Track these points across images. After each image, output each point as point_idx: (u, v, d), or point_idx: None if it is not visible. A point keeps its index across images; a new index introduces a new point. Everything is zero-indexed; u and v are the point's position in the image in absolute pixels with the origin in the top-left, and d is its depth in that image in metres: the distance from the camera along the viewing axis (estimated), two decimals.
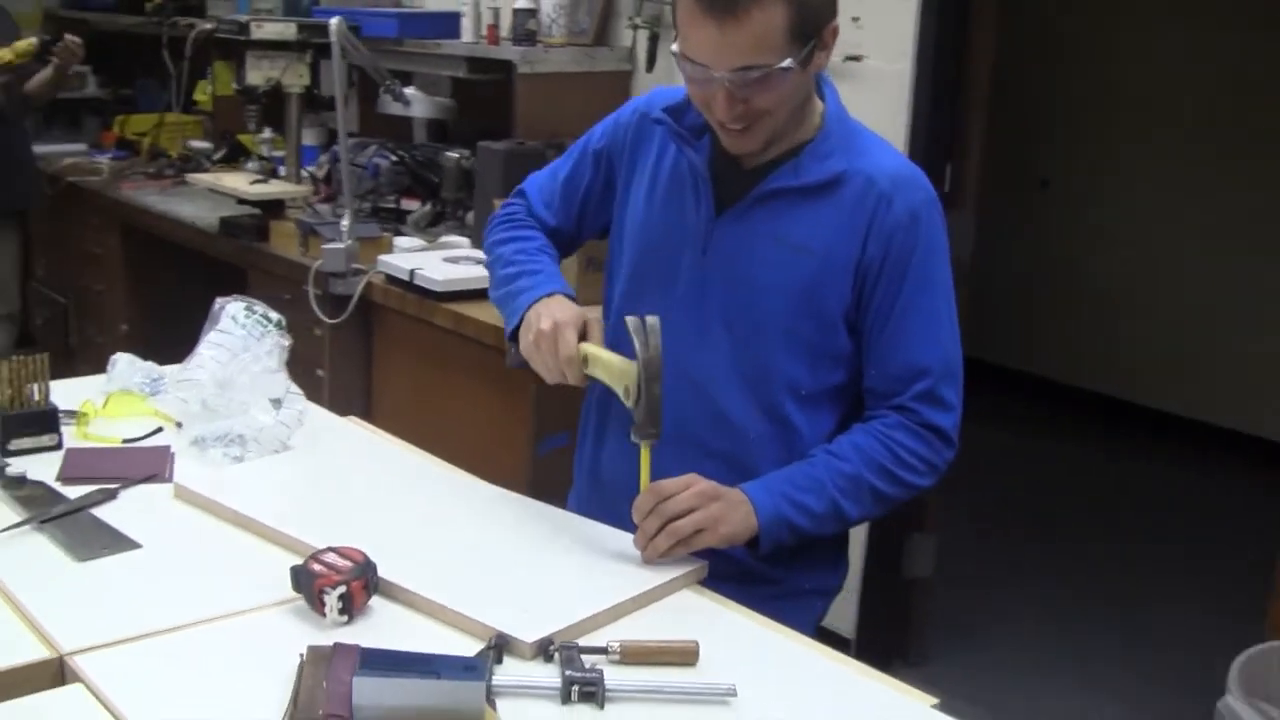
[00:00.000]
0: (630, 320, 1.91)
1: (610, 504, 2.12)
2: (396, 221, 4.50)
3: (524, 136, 4.21)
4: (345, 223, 3.88)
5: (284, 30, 4.46)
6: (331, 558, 1.80)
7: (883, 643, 4.09)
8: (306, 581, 1.76)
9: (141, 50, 6.21)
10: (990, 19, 3.76)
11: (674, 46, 1.97)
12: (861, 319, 2.04)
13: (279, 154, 5.02)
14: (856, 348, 2.07)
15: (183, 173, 5.38)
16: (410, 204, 4.57)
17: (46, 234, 5.94)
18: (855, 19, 3.76)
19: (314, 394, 3.96)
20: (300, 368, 4.08)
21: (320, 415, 2.61)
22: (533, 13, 4.33)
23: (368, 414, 4.00)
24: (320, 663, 1.60)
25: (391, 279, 3.85)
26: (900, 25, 3.68)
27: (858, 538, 3.94)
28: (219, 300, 2.60)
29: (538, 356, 2.04)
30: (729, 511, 1.95)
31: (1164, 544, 5.36)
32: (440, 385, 3.83)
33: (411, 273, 3.75)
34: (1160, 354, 6.60)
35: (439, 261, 3.85)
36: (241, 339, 2.49)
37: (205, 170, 5.35)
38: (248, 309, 2.55)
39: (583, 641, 1.70)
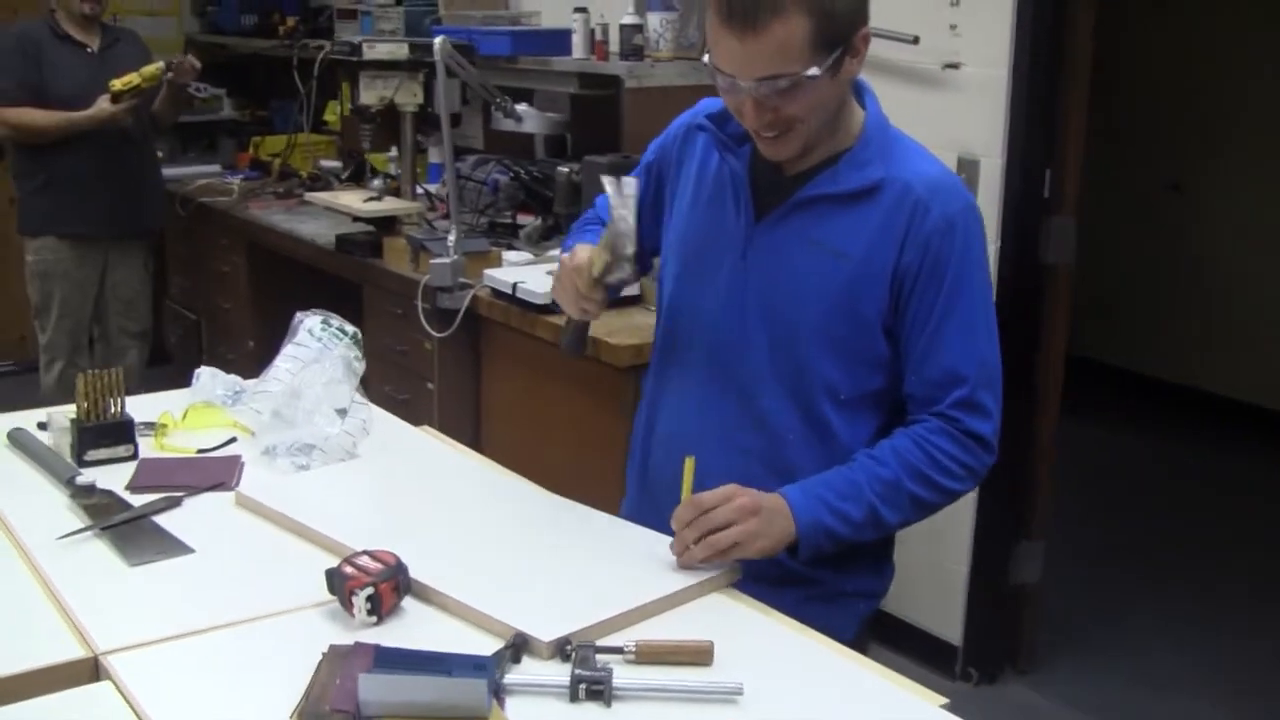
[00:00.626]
0: (606, 178, 2.01)
1: (659, 510, 2.12)
2: (511, 236, 4.56)
3: (631, 149, 4.24)
4: (452, 238, 3.95)
5: (395, 50, 4.55)
6: (364, 560, 1.84)
7: (991, 651, 4.05)
8: (339, 583, 1.81)
9: (276, 73, 6.38)
10: (1088, 23, 3.70)
11: (704, 57, 1.98)
12: (899, 325, 2.04)
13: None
14: (895, 354, 2.07)
15: (311, 191, 5.49)
16: (526, 219, 4.62)
17: (180, 254, 6.13)
18: (953, 27, 3.74)
19: (424, 405, 4.08)
20: (412, 380, 4.21)
21: (393, 426, 2.66)
22: (639, 28, 4.36)
23: (477, 425, 4.07)
24: (338, 660, 1.65)
25: (497, 293, 3.91)
26: (997, 32, 3.64)
27: (962, 546, 3.91)
28: (299, 314, 2.68)
29: (559, 290, 2.16)
30: (767, 526, 1.96)
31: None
32: (545, 395, 3.88)
33: (514, 286, 3.80)
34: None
35: (543, 275, 3.89)
36: (316, 351, 2.56)
37: (333, 189, 5.47)
38: (324, 322, 2.62)
39: (603, 642, 1.72)
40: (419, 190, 4.86)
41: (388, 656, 1.61)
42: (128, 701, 1.60)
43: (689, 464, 2.00)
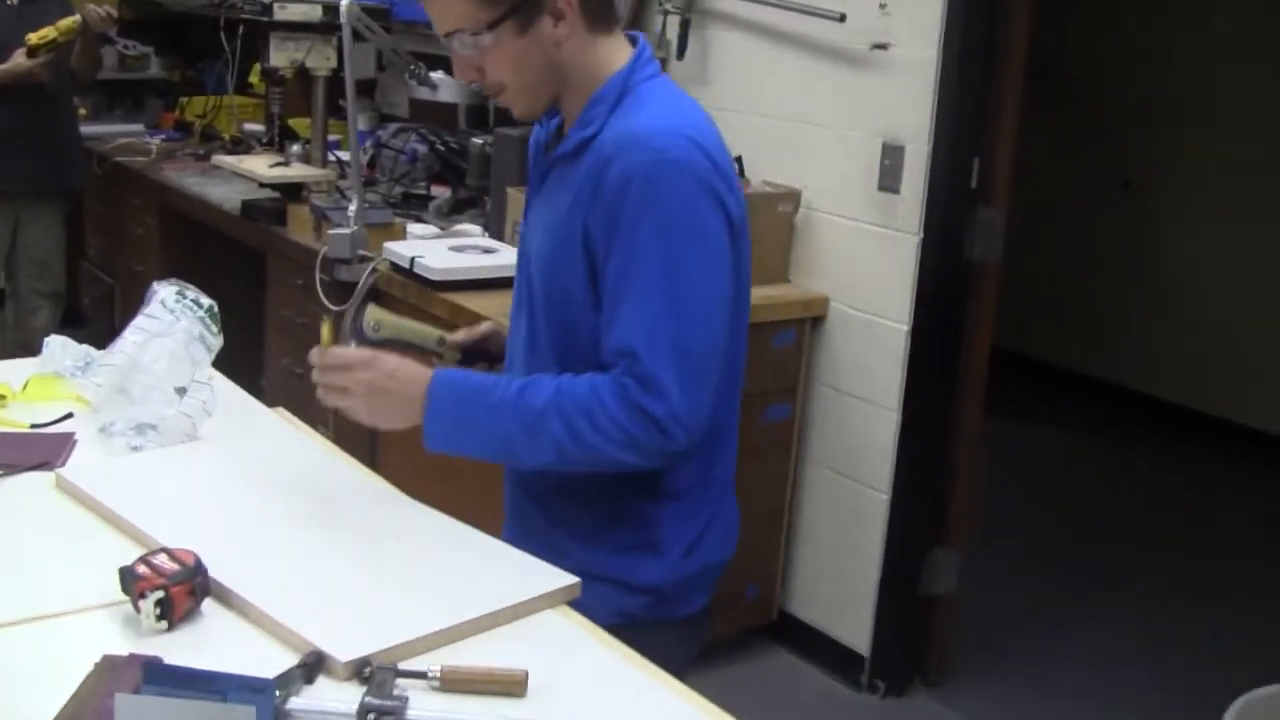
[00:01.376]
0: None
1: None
2: (423, 209, 4.40)
3: None
4: (353, 208, 3.78)
5: (308, 12, 4.38)
6: (160, 559, 1.68)
7: (899, 662, 3.90)
8: (129, 584, 1.65)
9: (206, 33, 6.18)
10: (1025, 6, 3.55)
11: None
12: (600, 293, 1.92)
13: (333, 137, 4.95)
14: None
15: (232, 154, 5.32)
16: (440, 190, 4.47)
17: (98, 214, 5.96)
18: (882, 5, 3.59)
19: (300, 383, 3.90)
20: (306, 352, 4.03)
21: (246, 406, 2.51)
22: None
23: None
24: (108, 673, 1.50)
25: (396, 267, 3.75)
26: (928, 12, 3.49)
27: (873, 550, 3.77)
28: (155, 283, 2.52)
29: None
30: (382, 408, 1.97)
31: (1208, 562, 5.11)
32: None
33: (412, 260, 3.64)
34: (1225, 361, 6.38)
35: (444, 250, 3.74)
36: (166, 324, 2.40)
37: (253, 153, 5.30)
38: (179, 293, 2.47)
39: (408, 664, 1.56)
40: (332, 157, 4.69)
41: (158, 673, 1.44)
42: None
43: (325, 325, 2.07)
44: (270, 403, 4.37)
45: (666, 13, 4.14)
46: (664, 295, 1.84)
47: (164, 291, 2.48)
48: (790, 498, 4.01)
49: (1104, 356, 6.83)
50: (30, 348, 2.51)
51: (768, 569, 4.03)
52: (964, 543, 3.94)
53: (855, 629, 3.89)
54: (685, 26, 4.12)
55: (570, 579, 1.81)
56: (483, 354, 2.23)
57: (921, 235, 3.59)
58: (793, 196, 3.89)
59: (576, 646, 1.70)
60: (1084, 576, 4.86)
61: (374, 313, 2.17)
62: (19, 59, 4.87)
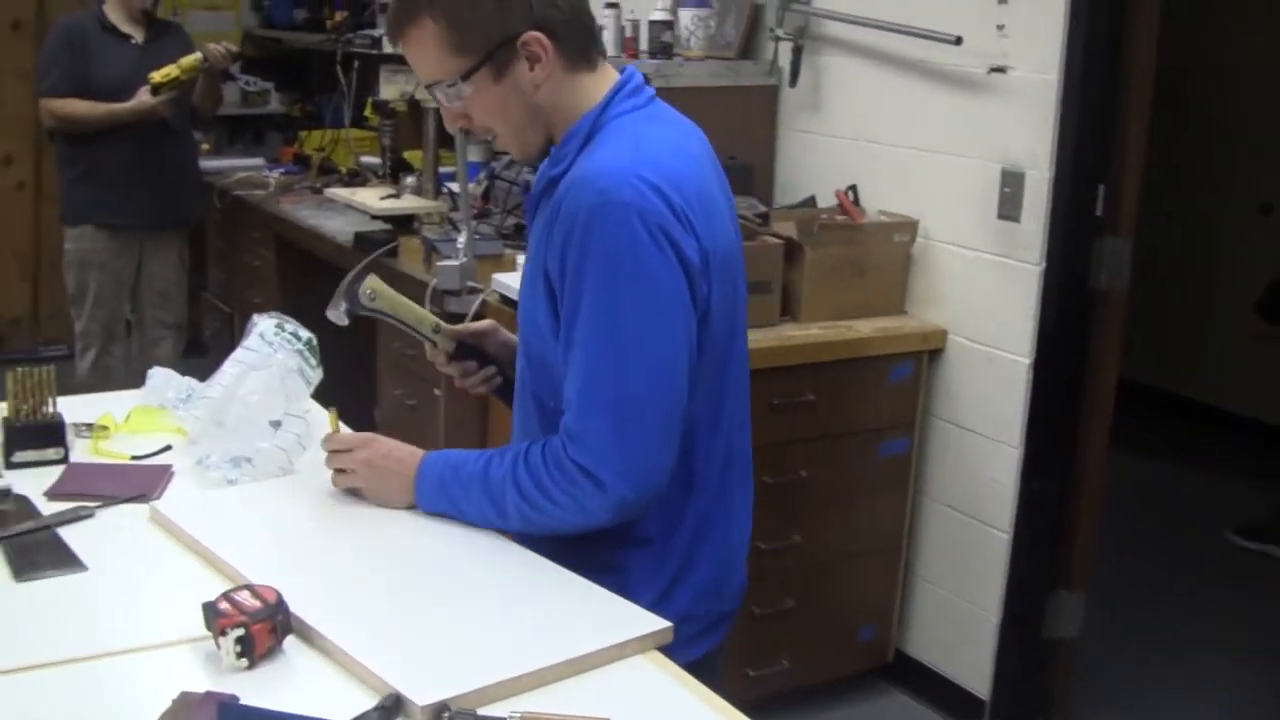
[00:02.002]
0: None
1: None
2: None
3: None
4: (462, 240, 3.76)
5: None
6: (243, 596, 1.65)
7: (1021, 706, 3.77)
8: (211, 620, 1.62)
9: (325, 67, 6.26)
10: (1151, 24, 3.41)
11: None
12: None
13: (448, 169, 4.95)
14: None
15: (349, 188, 5.35)
16: None
17: (218, 247, 6.02)
18: (1000, 27, 3.49)
19: (432, 411, 3.89)
20: (419, 385, 4.03)
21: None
22: (669, 25, 4.15)
23: (483, 433, 3.87)
24: (183, 712, 1.46)
25: (504, 299, 3.71)
26: (1048, 33, 3.38)
27: (993, 592, 3.66)
28: (255, 316, 2.51)
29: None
30: (381, 485, 2.07)
31: None
32: None
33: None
34: None
35: None
36: (263, 357, 2.39)
37: (369, 185, 5.32)
38: (278, 326, 2.45)
39: (487, 710, 1.50)
40: (445, 189, 4.68)
41: (232, 712, 1.42)
42: None
43: (331, 413, 2.20)
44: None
45: (778, 39, 4.08)
46: (601, 343, 1.82)
47: (263, 324, 2.46)
48: (908, 535, 3.91)
49: (1238, 390, 6.61)
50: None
51: (884, 608, 3.93)
52: (1087, 584, 3.80)
53: (975, 672, 3.77)
54: (798, 53, 4.05)
55: (662, 623, 1.74)
56: (476, 351, 2.27)
57: (1043, 265, 3.48)
58: (909, 226, 3.80)
59: (664, 694, 1.63)
60: (1212, 617, 4.68)
61: (373, 282, 2.16)
62: (143, 96, 4.94)
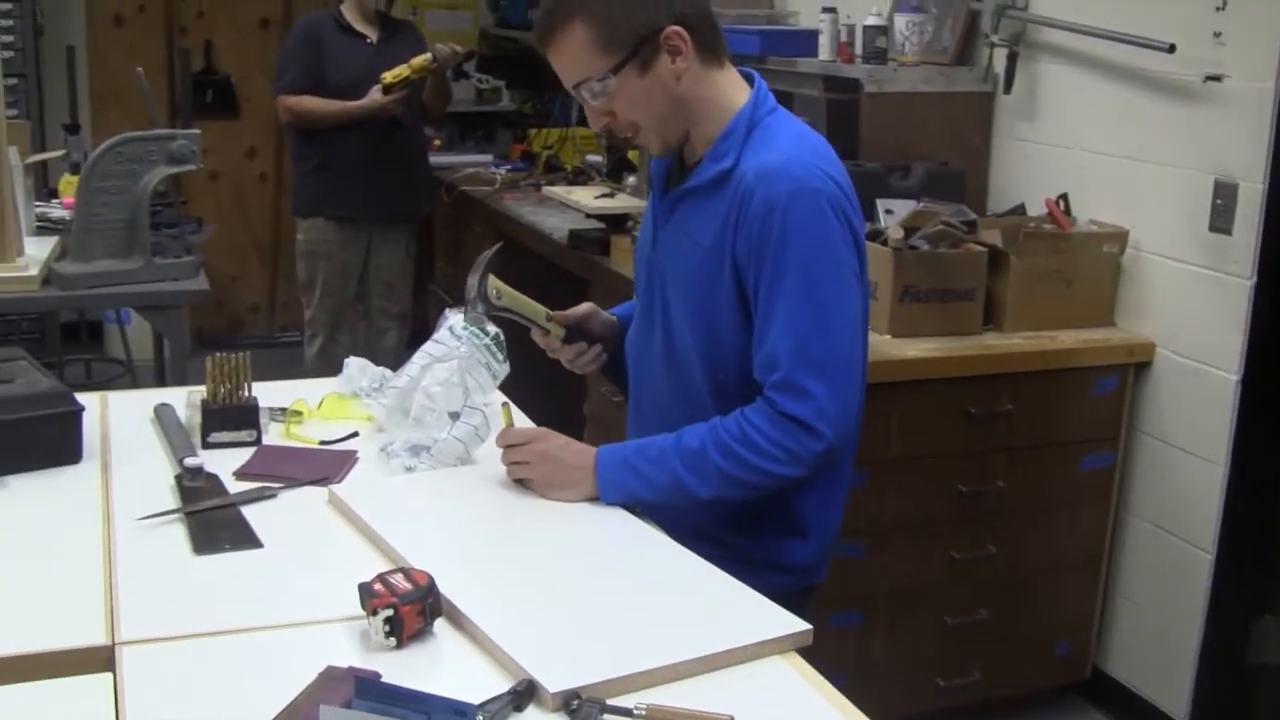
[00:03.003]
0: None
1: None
2: None
3: (869, 157, 4.04)
4: None
5: None
6: (397, 578, 1.72)
7: None
8: (365, 600, 1.70)
9: None
10: None
11: None
12: (752, 311, 2.10)
13: None
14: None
15: (572, 186, 5.46)
16: None
17: (445, 240, 6.20)
18: (1216, 34, 3.39)
19: (619, 410, 3.95)
20: (610, 385, 4.09)
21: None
22: (883, 30, 4.14)
23: None
24: (325, 684, 1.54)
25: None
26: (1267, 41, 3.27)
27: (1195, 613, 3.56)
28: (448, 310, 2.60)
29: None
30: (558, 476, 2.14)
31: None
32: None
33: None
34: None
35: None
36: (449, 349, 2.47)
37: (592, 184, 5.43)
38: (467, 321, 2.52)
39: (616, 701, 1.55)
40: None
41: (369, 689, 1.47)
42: (115, 697, 1.54)
43: (504, 407, 2.32)
44: (592, 430, 4.47)
45: (993, 45, 4.03)
46: (808, 310, 2.02)
47: (453, 318, 2.55)
48: (1109, 550, 3.83)
49: None
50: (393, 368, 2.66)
51: (1082, 623, 3.85)
52: None
53: (1174, 694, 3.68)
54: (1013, 60, 4.00)
55: (802, 625, 1.76)
56: (583, 333, 2.43)
57: (1255, 280, 3.38)
58: (1119, 237, 3.72)
59: (796, 697, 1.64)
60: None
61: (495, 282, 2.30)
62: (375, 95, 5.14)
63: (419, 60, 5.14)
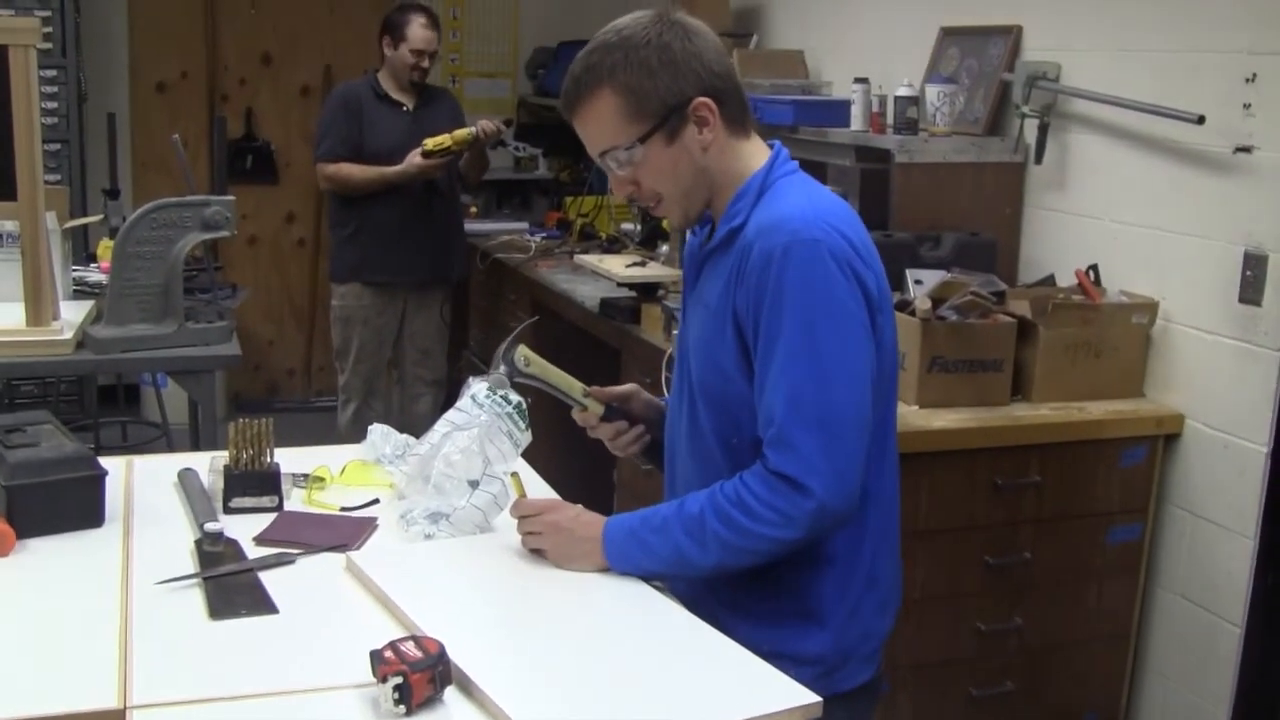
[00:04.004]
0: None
1: None
2: None
3: (900, 227, 4.04)
4: None
5: None
6: (407, 646, 1.73)
7: None
8: (375, 667, 1.71)
9: None
10: None
11: None
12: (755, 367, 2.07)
13: None
14: None
15: (607, 254, 5.49)
16: None
17: (481, 306, 6.24)
18: (1246, 106, 3.39)
19: (649, 478, 3.95)
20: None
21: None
22: (914, 100, 4.16)
23: None
24: None
25: None
26: None
27: (1225, 689, 3.52)
28: (471, 378, 2.61)
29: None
30: (570, 548, 2.14)
31: None
32: None
33: None
34: None
35: None
36: (471, 418, 2.48)
37: (626, 252, 5.45)
38: (490, 390, 2.53)
39: None
40: None
41: None
42: None
43: (514, 478, 2.33)
44: (621, 497, 4.47)
45: (1024, 116, 4.04)
46: (804, 364, 1.98)
47: (476, 387, 2.55)
48: (1138, 623, 3.79)
49: None
50: (414, 432, 2.68)
51: (1110, 697, 3.81)
52: None
53: None
54: (1044, 130, 4.01)
55: (812, 698, 1.76)
56: (624, 413, 2.41)
57: None
58: (1149, 308, 3.71)
59: None
60: None
61: (525, 351, 2.33)
62: (414, 159, 5.20)
63: (462, 133, 5.21)
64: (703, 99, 2.05)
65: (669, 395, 2.37)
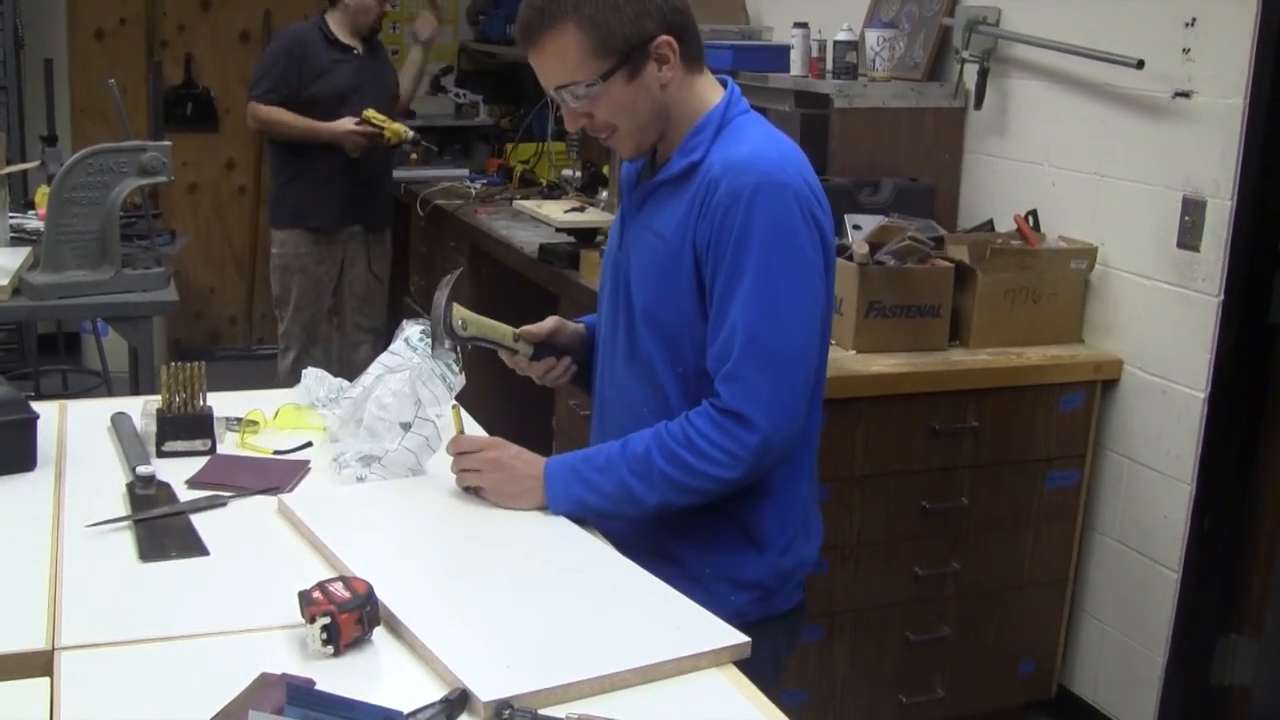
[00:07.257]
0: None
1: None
2: None
3: (839, 172, 4.04)
4: None
5: None
6: (336, 586, 1.71)
7: None
8: (304, 608, 1.69)
9: (535, 81, 6.37)
10: None
11: None
12: (709, 302, 2.09)
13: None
14: None
15: (546, 200, 5.46)
16: None
17: (420, 254, 6.20)
18: (1185, 50, 3.40)
19: (588, 424, 3.94)
20: (581, 395, 4.09)
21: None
22: (853, 45, 4.15)
23: None
24: (259, 690, 1.53)
25: None
26: (1236, 57, 3.28)
27: (1160, 633, 3.56)
28: (405, 321, 2.60)
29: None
30: (510, 484, 2.15)
31: None
32: None
33: None
34: None
35: None
36: (403, 360, 2.47)
37: (566, 198, 5.43)
38: (423, 332, 2.53)
39: (547, 710, 1.54)
40: None
41: (301, 696, 1.47)
42: (51, 702, 1.54)
43: (454, 410, 2.31)
44: (560, 444, 4.46)
45: (964, 61, 4.04)
46: (762, 303, 2.01)
47: (410, 330, 2.55)
48: (1075, 568, 3.82)
49: None
50: (353, 379, 2.66)
51: (1047, 642, 3.85)
52: (1261, 630, 3.66)
53: (1139, 713, 3.67)
54: (984, 75, 4.01)
55: (740, 638, 1.75)
56: (551, 347, 2.40)
57: (1222, 297, 3.38)
58: (1088, 253, 3.72)
59: (731, 711, 1.63)
60: None
61: (459, 311, 2.29)
62: (346, 124, 5.17)
63: (399, 128, 5.19)
64: (665, 38, 2.04)
65: (599, 317, 2.39)
